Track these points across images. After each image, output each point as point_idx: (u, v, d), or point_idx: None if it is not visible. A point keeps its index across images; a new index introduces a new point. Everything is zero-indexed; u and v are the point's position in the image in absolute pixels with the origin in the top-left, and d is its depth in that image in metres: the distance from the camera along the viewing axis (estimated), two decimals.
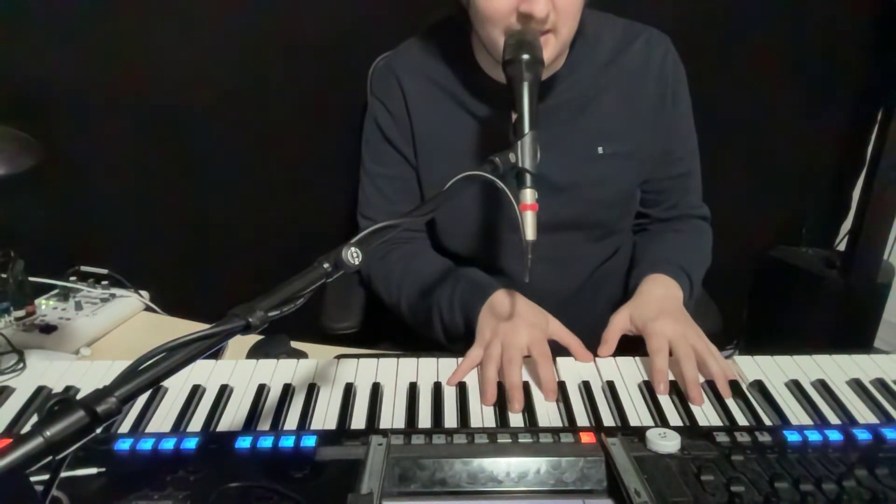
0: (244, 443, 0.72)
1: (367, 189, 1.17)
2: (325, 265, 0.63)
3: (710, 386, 0.87)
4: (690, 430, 0.78)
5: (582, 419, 0.82)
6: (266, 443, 0.72)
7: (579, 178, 1.07)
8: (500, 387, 0.87)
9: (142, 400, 0.85)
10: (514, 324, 0.93)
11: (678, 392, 0.87)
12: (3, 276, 1.05)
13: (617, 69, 1.07)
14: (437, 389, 0.88)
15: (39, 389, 0.90)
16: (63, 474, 0.49)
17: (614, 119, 1.07)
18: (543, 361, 0.89)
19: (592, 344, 0.97)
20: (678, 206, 1.18)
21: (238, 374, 0.92)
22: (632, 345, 0.97)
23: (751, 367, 0.93)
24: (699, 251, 1.16)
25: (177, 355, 0.53)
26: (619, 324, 0.98)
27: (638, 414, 0.83)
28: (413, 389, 0.88)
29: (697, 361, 0.88)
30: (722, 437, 0.71)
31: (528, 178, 0.81)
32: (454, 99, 1.08)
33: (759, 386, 0.88)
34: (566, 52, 1.04)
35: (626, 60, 1.07)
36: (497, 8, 0.89)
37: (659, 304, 0.98)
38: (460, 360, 0.94)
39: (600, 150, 1.07)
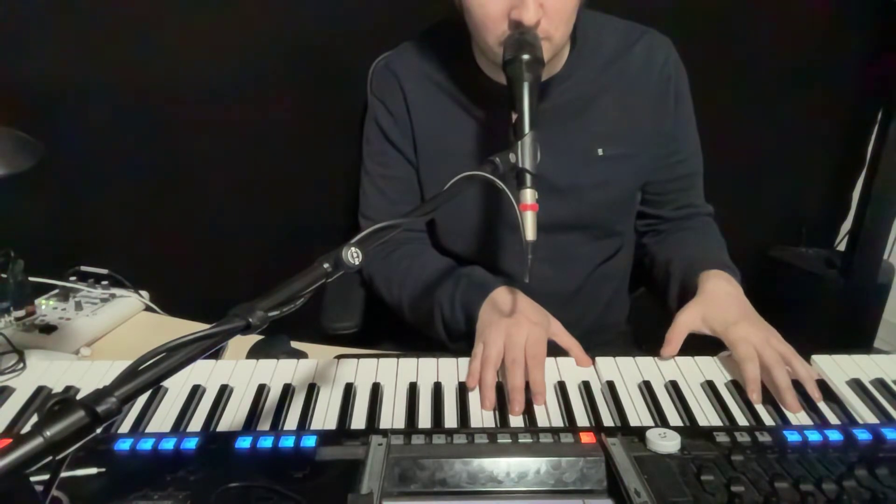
0: (244, 443, 0.72)
1: (368, 190, 1.17)
2: (326, 265, 0.63)
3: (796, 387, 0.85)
4: (690, 430, 0.78)
5: (582, 419, 0.82)
6: (266, 443, 0.72)
7: (579, 180, 1.07)
8: (499, 387, 0.87)
9: (142, 400, 0.85)
10: (516, 320, 0.92)
11: (678, 393, 0.87)
12: (3, 276, 1.05)
13: (618, 71, 1.07)
14: (437, 389, 0.88)
15: (39, 389, 0.90)
16: (63, 474, 0.49)
17: (614, 121, 1.07)
18: (534, 364, 0.88)
19: (590, 345, 0.97)
20: (688, 205, 1.19)
21: (238, 374, 0.92)
22: (635, 344, 0.96)
23: None
24: (725, 248, 1.15)
25: (177, 355, 0.53)
26: (687, 324, 0.94)
27: (638, 414, 0.83)
28: (413, 389, 0.88)
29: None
30: (722, 437, 0.72)
31: (528, 178, 0.81)
32: (453, 100, 1.08)
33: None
34: (563, 55, 1.04)
35: (628, 62, 1.07)
36: (489, 14, 0.90)
37: (732, 305, 0.95)
38: (461, 360, 0.94)
39: (600, 151, 1.07)
